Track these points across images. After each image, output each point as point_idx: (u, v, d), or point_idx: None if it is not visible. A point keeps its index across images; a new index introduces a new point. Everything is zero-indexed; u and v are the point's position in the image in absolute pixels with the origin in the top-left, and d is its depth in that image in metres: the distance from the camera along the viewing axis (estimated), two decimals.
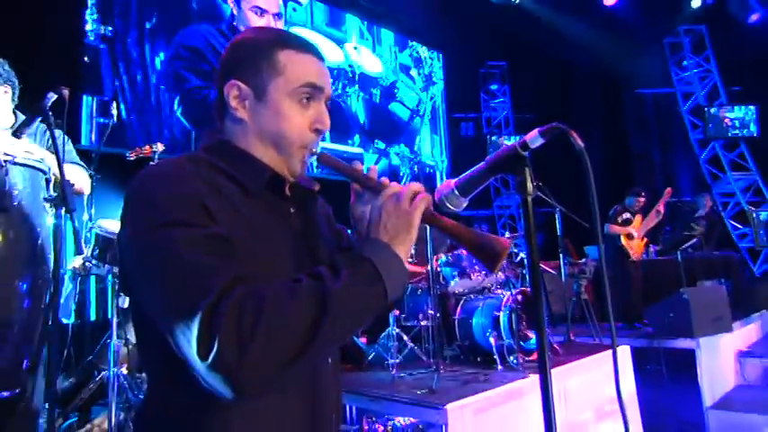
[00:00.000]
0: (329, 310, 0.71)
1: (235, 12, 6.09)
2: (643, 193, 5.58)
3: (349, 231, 1.12)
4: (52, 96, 1.69)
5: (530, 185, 0.79)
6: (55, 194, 1.61)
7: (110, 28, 5.17)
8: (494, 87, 10.50)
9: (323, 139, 0.98)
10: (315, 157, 0.94)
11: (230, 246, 0.75)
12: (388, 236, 0.83)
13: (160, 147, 2.97)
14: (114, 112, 2.87)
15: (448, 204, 0.89)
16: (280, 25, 6.46)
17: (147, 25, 5.51)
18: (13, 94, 2.10)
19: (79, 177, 2.21)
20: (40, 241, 1.60)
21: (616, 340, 0.90)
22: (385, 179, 0.93)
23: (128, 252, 0.79)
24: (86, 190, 2.33)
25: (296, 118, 0.90)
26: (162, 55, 5.58)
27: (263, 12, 6.23)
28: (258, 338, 0.66)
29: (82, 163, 2.35)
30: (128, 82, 5.27)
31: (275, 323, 0.68)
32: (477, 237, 0.88)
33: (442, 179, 8.95)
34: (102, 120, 4.96)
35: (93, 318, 4.42)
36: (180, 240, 0.72)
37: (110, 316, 2.50)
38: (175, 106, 5.50)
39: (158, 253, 0.72)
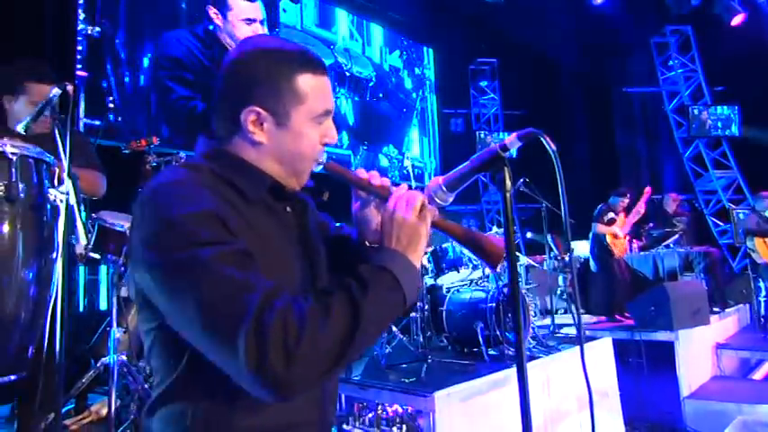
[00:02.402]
0: (361, 320, 0.77)
1: (219, 23, 6.05)
2: (628, 195, 5.74)
3: (337, 224, 1.20)
4: (58, 92, 1.75)
5: (508, 183, 0.89)
6: (60, 185, 1.68)
7: (97, 29, 5.12)
8: (483, 84, 10.60)
9: None
10: (320, 166, 1.01)
11: (252, 258, 0.80)
12: (402, 246, 0.90)
13: (155, 140, 3.00)
14: (111, 105, 2.88)
15: (436, 199, 0.98)
16: (264, 29, 6.46)
17: (136, 26, 5.45)
18: None
19: (91, 181, 2.31)
20: (46, 231, 1.66)
21: (583, 334, 0.99)
22: (386, 180, 1.01)
23: (154, 274, 0.80)
24: (98, 193, 2.42)
25: (312, 138, 0.96)
26: (150, 56, 5.53)
27: (251, 21, 6.27)
28: (302, 349, 0.72)
29: (99, 165, 2.44)
30: (115, 83, 5.21)
31: (317, 335, 0.74)
32: (478, 238, 0.97)
33: (429, 180, 9.02)
34: (87, 120, 4.93)
35: (82, 308, 4.46)
36: (211, 259, 0.75)
37: (106, 306, 2.55)
38: (159, 114, 5.47)
39: (192, 274, 0.75)
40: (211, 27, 6.05)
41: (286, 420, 0.89)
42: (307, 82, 0.92)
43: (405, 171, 8.45)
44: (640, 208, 5.66)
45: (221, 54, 5.98)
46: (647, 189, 5.76)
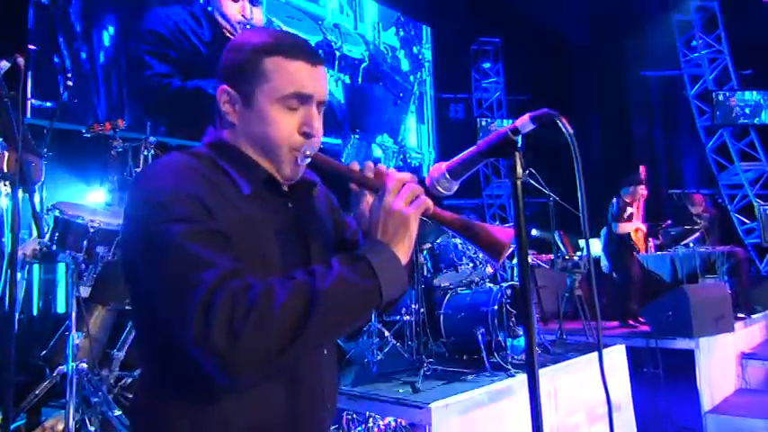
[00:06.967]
0: (316, 306, 0.81)
1: None
2: (637, 180, 5.73)
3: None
4: (5, 65, 1.71)
5: (520, 169, 0.87)
6: (10, 172, 1.63)
7: None
8: (486, 66, 10.59)
9: None
10: (308, 160, 1.02)
11: (226, 240, 0.87)
12: (387, 236, 0.93)
13: (121, 123, 2.97)
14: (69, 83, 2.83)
15: (439, 188, 0.96)
16: (257, 12, 6.44)
17: None
18: None
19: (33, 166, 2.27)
20: None
21: (602, 341, 0.98)
22: (381, 166, 1.01)
23: (133, 247, 0.91)
24: (38, 180, 2.39)
25: (283, 123, 0.99)
26: (111, 29, 5.41)
27: None
28: (247, 330, 0.77)
29: (36, 148, 2.39)
30: (70, 60, 5.06)
31: (264, 317, 0.79)
32: (477, 229, 0.96)
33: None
34: (36, 102, 4.73)
35: (36, 311, 4.39)
36: (180, 235, 0.83)
37: (64, 308, 2.51)
38: (126, 93, 5.38)
39: (160, 247, 0.84)
40: (210, 8, 6.05)
41: (261, 421, 0.93)
42: (275, 62, 0.98)
43: (400, 163, 8.43)
44: (643, 191, 5.68)
45: (215, 34, 6.02)
46: (642, 168, 5.77)
